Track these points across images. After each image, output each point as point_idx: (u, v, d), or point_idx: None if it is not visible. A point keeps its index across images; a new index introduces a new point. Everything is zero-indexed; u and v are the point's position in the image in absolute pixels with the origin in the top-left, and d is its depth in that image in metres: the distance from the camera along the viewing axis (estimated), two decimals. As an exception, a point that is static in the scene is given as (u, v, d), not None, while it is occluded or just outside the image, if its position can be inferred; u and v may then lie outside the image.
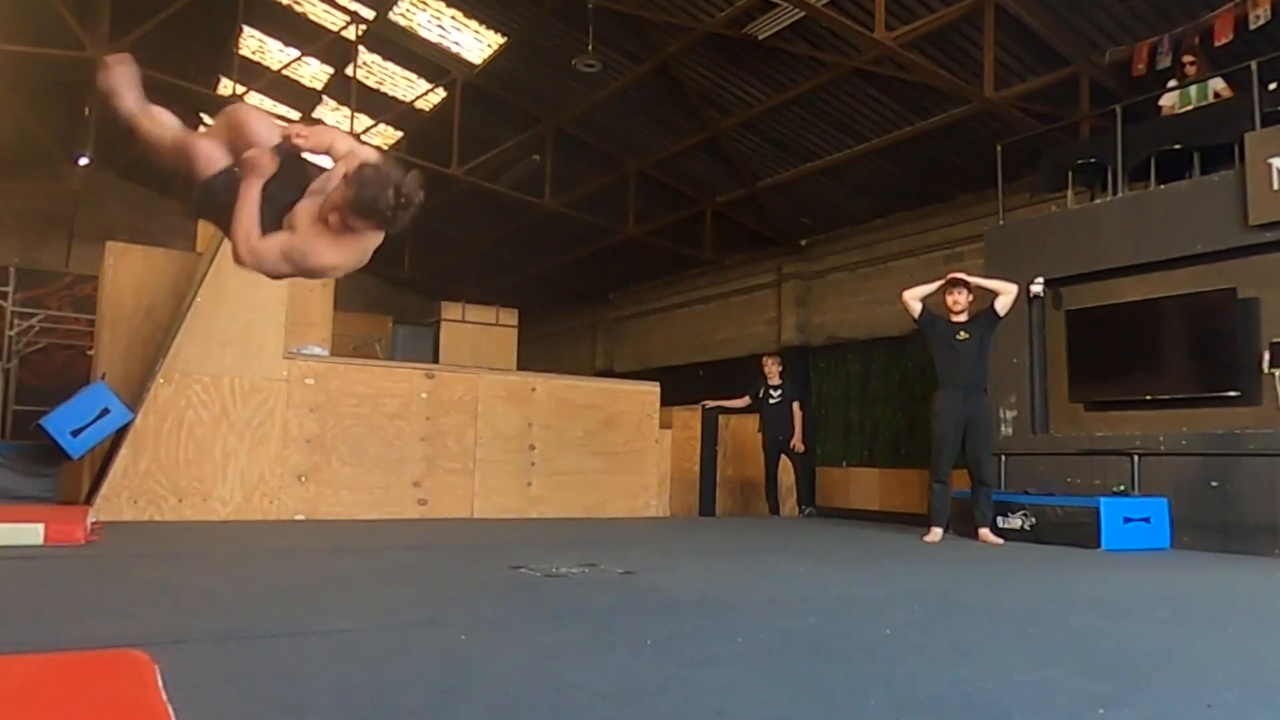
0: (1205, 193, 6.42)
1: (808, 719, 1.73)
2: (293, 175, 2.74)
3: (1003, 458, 7.31)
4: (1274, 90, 6.24)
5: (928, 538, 6.15)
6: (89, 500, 6.16)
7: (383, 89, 11.89)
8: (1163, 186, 6.85)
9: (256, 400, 6.67)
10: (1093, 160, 7.38)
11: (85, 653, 1.67)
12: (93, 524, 4.92)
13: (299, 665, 2.11)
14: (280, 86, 12.12)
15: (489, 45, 10.37)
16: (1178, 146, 6.82)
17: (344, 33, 10.54)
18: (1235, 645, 2.73)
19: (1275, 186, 5.88)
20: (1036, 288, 7.29)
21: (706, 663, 2.23)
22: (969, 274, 6.58)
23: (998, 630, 2.83)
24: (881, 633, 2.70)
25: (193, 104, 13.10)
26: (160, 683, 1.24)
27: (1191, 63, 7.00)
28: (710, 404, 9.41)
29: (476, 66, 10.73)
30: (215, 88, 12.34)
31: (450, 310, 12.29)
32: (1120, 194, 7.00)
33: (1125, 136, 6.99)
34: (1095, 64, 7.83)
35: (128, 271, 7.73)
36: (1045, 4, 7.47)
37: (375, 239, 2.73)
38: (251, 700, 1.76)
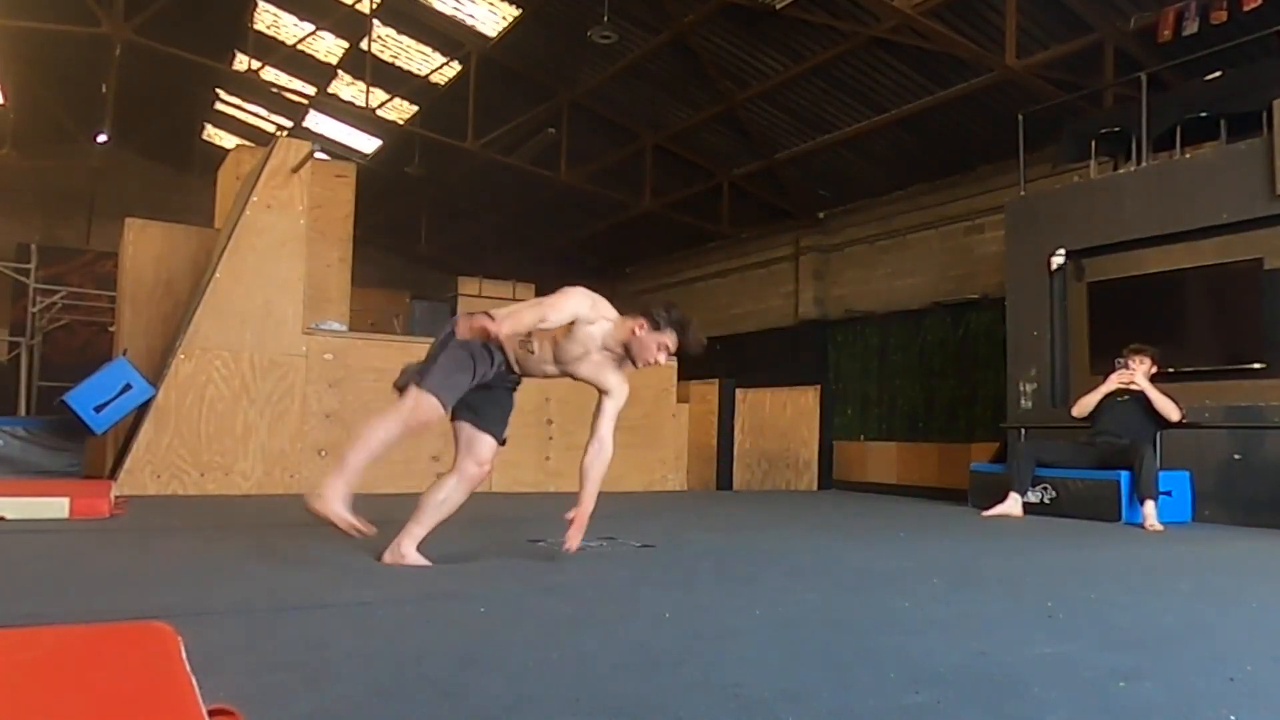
0: (1231, 161, 6.30)
1: (826, 691, 1.73)
2: None
3: (1021, 431, 7.28)
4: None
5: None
6: (113, 475, 6.23)
7: (397, 63, 11.83)
8: (1188, 155, 6.73)
9: (276, 375, 6.71)
10: (1116, 129, 7.26)
11: (110, 625, 1.69)
12: (117, 498, 4.97)
13: (321, 636, 2.13)
14: (295, 61, 12.10)
15: (504, 18, 10.29)
16: (1204, 115, 6.70)
17: (358, 6, 10.48)
18: (1258, 618, 2.71)
19: (1304, 154, 5.78)
20: (1058, 259, 7.21)
21: (725, 635, 2.23)
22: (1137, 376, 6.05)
23: (1018, 603, 2.82)
24: (900, 605, 2.69)
25: (208, 80, 13.16)
26: (184, 654, 1.25)
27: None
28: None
29: (491, 39, 10.66)
30: (230, 63, 12.33)
31: (467, 285, 12.33)
32: (1144, 163, 6.89)
33: (1150, 105, 6.87)
34: (1120, 31, 7.68)
35: (147, 248, 7.78)
36: (1069, -31, 7.35)
37: None
38: (274, 671, 1.78)
